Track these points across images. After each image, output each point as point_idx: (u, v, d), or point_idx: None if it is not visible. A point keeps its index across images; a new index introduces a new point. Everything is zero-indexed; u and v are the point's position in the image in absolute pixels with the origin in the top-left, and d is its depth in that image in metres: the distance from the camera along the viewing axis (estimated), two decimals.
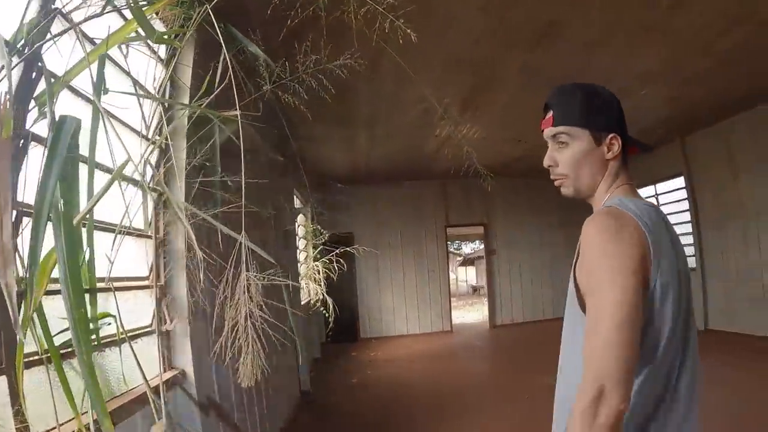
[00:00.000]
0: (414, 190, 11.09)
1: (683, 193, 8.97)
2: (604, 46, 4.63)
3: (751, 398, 4.92)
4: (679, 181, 9.07)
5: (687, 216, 8.87)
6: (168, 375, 2.49)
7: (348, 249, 8.01)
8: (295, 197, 8.24)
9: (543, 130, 1.40)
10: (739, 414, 4.56)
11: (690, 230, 8.76)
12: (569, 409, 1.04)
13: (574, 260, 1.22)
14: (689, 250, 8.83)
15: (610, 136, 1.30)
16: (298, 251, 7.87)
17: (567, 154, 1.32)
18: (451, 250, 30.23)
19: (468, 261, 28.85)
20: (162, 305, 2.53)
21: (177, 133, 2.73)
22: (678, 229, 7.92)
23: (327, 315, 7.80)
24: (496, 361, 8.18)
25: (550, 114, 1.36)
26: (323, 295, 7.85)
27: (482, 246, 15.38)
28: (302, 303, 7.36)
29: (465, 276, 29.09)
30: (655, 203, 1.51)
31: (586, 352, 1.03)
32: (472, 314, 15.11)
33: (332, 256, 8.06)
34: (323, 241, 8.48)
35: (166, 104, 2.60)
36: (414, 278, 10.99)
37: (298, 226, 8.04)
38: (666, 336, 1.07)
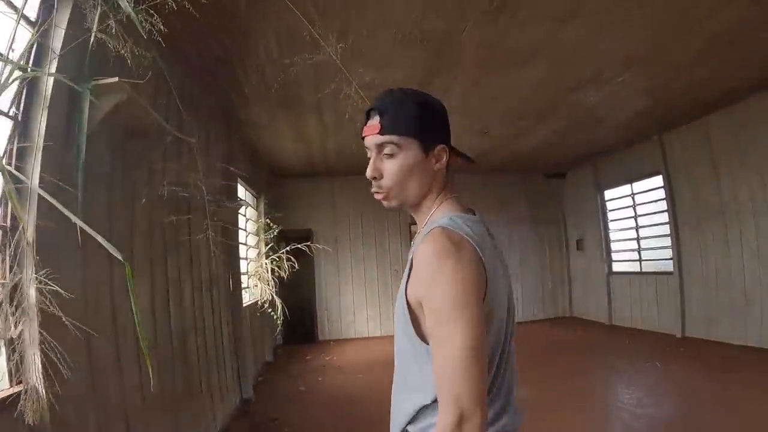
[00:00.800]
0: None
1: (661, 193, 8.74)
2: (575, 19, 4.18)
3: (714, 407, 4.72)
4: (657, 180, 8.85)
5: (665, 217, 8.65)
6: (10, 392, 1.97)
7: (299, 246, 7.57)
8: (245, 191, 7.74)
9: (364, 137, 1.30)
10: (701, 425, 4.34)
11: (668, 232, 8.55)
12: None
13: (405, 280, 1.17)
14: (667, 253, 8.62)
15: (439, 147, 1.27)
16: (246, 248, 7.37)
17: (395, 166, 1.26)
18: None
19: None
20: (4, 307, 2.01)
21: (35, 104, 2.24)
22: (655, 231, 7.51)
23: (275, 317, 7.35)
24: None
25: (377, 120, 1.25)
26: (272, 295, 7.39)
27: None
28: (248, 303, 6.88)
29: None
30: (475, 215, 1.31)
31: (441, 379, 1.04)
32: None
33: (282, 253, 7.59)
34: (272, 236, 8.01)
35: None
36: (376, 277, 10.56)
37: (246, 221, 7.54)
38: (498, 350, 1.14)
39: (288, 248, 7.62)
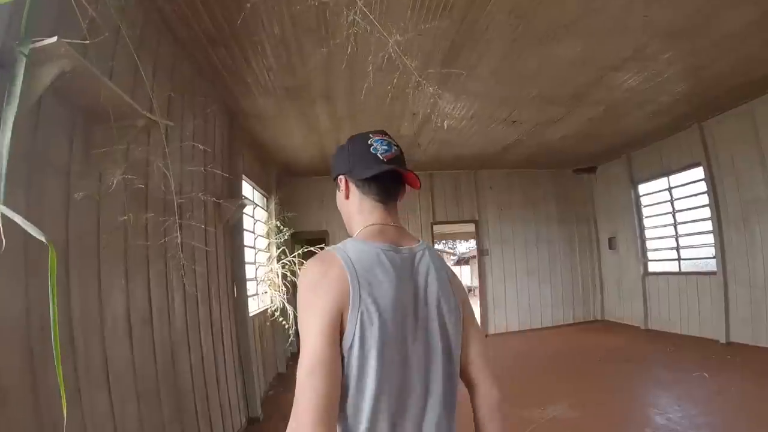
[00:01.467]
0: None
1: (701, 186, 7.99)
2: None
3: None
4: (697, 172, 8.09)
5: (706, 212, 7.88)
6: None
7: (313, 249, 7.09)
8: (253, 189, 7.32)
9: None
10: None
11: (710, 228, 7.78)
12: None
13: None
14: (709, 251, 7.94)
15: (339, 178, 1.42)
16: (254, 252, 6.92)
17: None
18: (446, 249, 29.44)
19: (463, 260, 27.96)
20: None
21: None
22: (695, 227, 6.73)
23: (287, 326, 6.89)
24: None
25: None
26: (282, 303, 6.93)
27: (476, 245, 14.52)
28: (256, 312, 6.43)
29: (460, 275, 28.16)
30: (398, 246, 1.28)
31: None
32: None
33: (294, 257, 7.13)
34: (283, 239, 7.55)
35: None
36: None
37: (255, 222, 7.10)
38: (374, 376, 1.12)
39: (300, 251, 7.16)
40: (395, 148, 1.39)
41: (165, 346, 3.41)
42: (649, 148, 9.15)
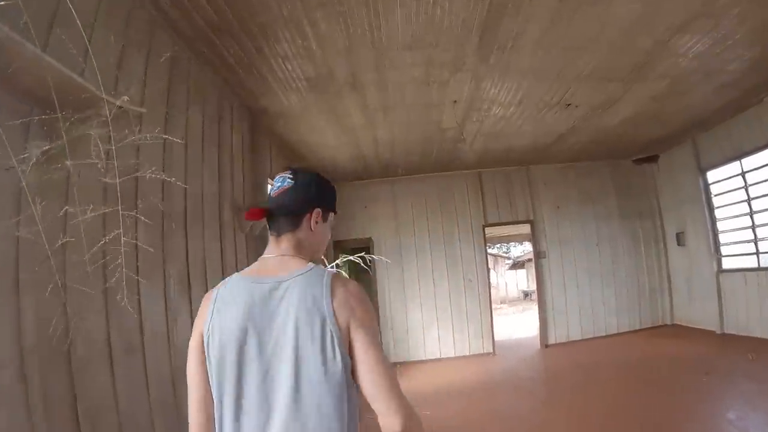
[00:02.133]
0: (441, 184, 9.54)
1: None
2: None
3: None
4: None
5: None
6: None
7: (351, 258, 6.58)
8: None
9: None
10: None
11: None
12: None
13: None
14: None
15: None
16: None
17: None
18: (500, 253, 28.42)
19: (518, 264, 26.79)
20: None
21: None
22: None
23: None
24: (553, 405, 6.08)
25: None
26: None
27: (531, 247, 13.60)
28: None
29: (516, 280, 27.19)
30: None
31: None
32: (522, 320, 13.23)
33: (332, 267, 6.61)
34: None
35: None
36: (447, 289, 9.33)
37: None
38: (219, 396, 1.29)
39: (339, 261, 6.65)
40: (288, 180, 1.47)
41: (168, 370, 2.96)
42: (717, 129, 8.02)
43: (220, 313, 1.31)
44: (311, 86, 4.97)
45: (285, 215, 1.45)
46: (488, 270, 9.55)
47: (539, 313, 9.45)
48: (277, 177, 1.50)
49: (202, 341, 1.31)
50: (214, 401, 1.29)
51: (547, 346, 9.32)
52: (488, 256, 9.80)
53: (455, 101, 5.78)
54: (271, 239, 1.46)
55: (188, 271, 3.52)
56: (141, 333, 2.76)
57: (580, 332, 9.46)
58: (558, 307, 9.44)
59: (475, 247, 9.37)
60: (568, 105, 6.21)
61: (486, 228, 9.45)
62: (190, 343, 1.33)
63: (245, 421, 1.26)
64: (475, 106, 6.01)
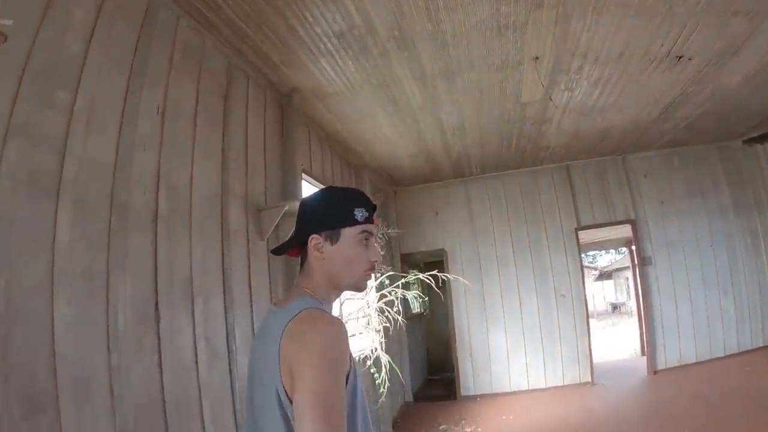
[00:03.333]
0: (524, 182, 8.14)
1: None
2: None
3: None
4: None
5: None
6: None
7: (420, 275, 5.35)
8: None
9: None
10: None
11: None
12: None
13: None
14: None
15: None
16: None
17: None
18: (585, 263, 26.69)
19: (605, 275, 25.11)
20: None
21: None
22: None
23: (378, 379, 5.14)
24: None
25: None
26: (378, 347, 5.17)
27: (623, 254, 11.99)
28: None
29: (602, 293, 25.65)
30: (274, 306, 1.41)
31: None
32: (615, 336, 11.65)
33: (393, 290, 5.31)
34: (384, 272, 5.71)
35: None
36: (536, 307, 7.89)
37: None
38: None
39: (408, 278, 5.37)
40: (299, 210, 1.47)
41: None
42: None
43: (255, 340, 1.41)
44: (345, 45, 3.76)
45: (295, 248, 1.44)
46: (584, 282, 8.08)
47: (646, 333, 7.92)
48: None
49: None
50: None
51: (656, 372, 7.76)
52: (583, 266, 8.33)
53: (536, 57, 4.35)
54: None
55: (157, 290, 2.46)
56: None
57: (694, 353, 7.83)
58: (668, 324, 7.86)
59: (568, 255, 7.88)
60: (680, 58, 4.63)
61: (579, 231, 7.96)
62: None
63: None
64: (562, 64, 4.59)
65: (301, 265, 1.40)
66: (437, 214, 8.17)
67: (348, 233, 1.36)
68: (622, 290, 21.01)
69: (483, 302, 7.95)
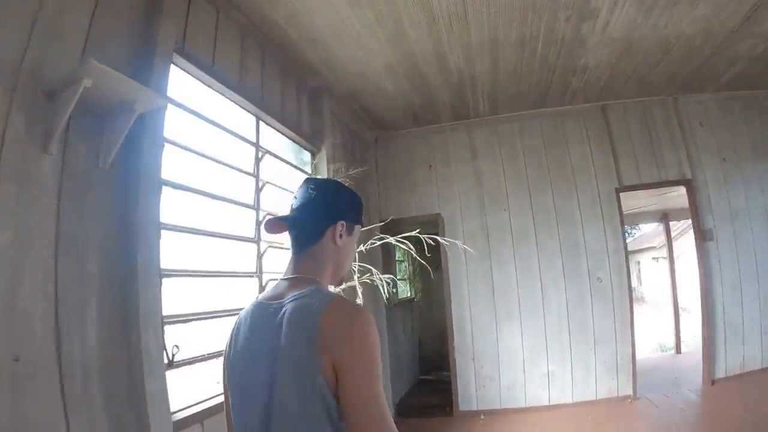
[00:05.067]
0: (547, 127, 6.14)
1: None
2: None
3: None
4: None
5: None
6: None
7: (401, 245, 3.45)
8: (258, 121, 3.69)
9: None
10: None
11: None
12: None
13: None
14: None
15: None
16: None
17: None
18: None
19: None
20: None
21: None
22: None
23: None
24: None
25: None
26: None
27: (632, 235, 10.26)
28: None
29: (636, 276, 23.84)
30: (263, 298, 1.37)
31: None
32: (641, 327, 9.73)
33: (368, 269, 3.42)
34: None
35: None
36: (563, 296, 5.90)
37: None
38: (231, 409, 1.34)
39: (394, 239, 3.47)
40: (310, 191, 1.42)
41: None
42: None
43: (237, 334, 1.33)
44: None
45: (307, 228, 1.41)
46: (627, 262, 6.10)
47: (705, 331, 6.00)
48: (298, 188, 1.46)
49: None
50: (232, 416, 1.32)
51: (713, 382, 5.89)
52: (626, 241, 6.31)
53: None
54: (291, 258, 1.42)
55: None
56: None
57: (760, 357, 5.97)
58: (732, 320, 5.99)
59: (606, 226, 5.88)
60: None
61: (622, 192, 5.98)
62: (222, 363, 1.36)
63: None
64: None
65: (299, 251, 1.40)
66: (431, 168, 6.18)
67: (356, 229, 1.46)
68: (632, 275, 19.14)
69: (491, 289, 5.95)
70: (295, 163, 4.42)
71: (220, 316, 3.04)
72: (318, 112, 4.68)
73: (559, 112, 6.03)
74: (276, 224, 1.41)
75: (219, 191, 3.18)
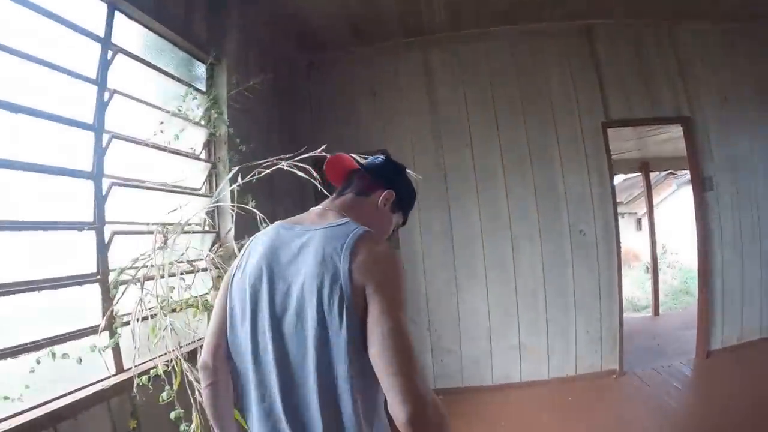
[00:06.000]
0: (520, 49, 5.03)
1: None
2: None
3: None
4: None
5: None
6: None
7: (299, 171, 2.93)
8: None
9: None
10: None
11: None
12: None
13: None
14: None
15: None
16: None
17: None
18: None
19: None
20: None
21: None
22: None
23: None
24: None
25: None
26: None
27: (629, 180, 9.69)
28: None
29: None
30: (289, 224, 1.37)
31: None
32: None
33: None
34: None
35: None
36: (538, 252, 4.89)
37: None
38: (231, 325, 1.33)
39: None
40: (380, 159, 1.53)
41: None
42: None
43: (249, 254, 1.35)
44: None
45: (364, 180, 1.47)
46: (615, 213, 5.11)
47: (701, 296, 5.15)
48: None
49: (229, 277, 1.37)
50: (228, 333, 1.33)
51: (708, 354, 5.10)
52: (613, 187, 5.27)
53: None
54: (331, 198, 1.46)
55: None
56: None
57: (758, 326, 5.23)
58: (730, 284, 5.14)
59: (590, 168, 4.88)
60: None
61: (607, 128, 4.98)
62: (224, 280, 1.39)
63: (262, 360, 1.26)
64: None
65: (341, 193, 1.46)
66: (375, 95, 5.07)
67: (396, 217, 1.53)
68: (629, 225, 18.17)
69: (450, 243, 4.90)
70: (178, 75, 3.25)
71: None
72: (220, 12, 3.56)
73: (534, 30, 4.95)
74: (340, 162, 1.52)
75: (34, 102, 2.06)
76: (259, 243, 1.34)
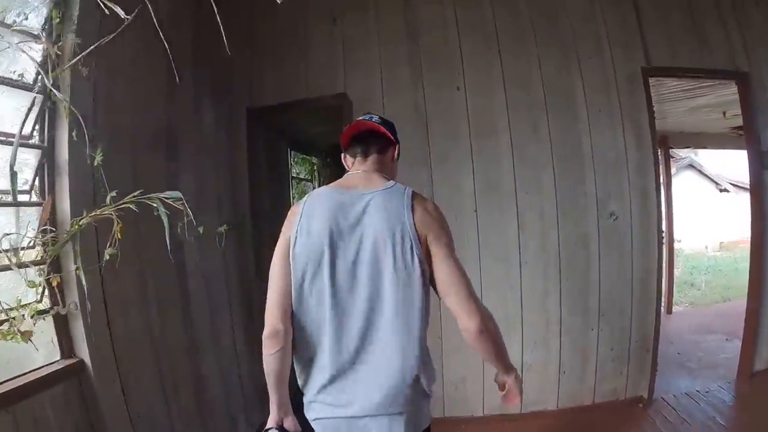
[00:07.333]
0: None
1: None
2: None
3: None
4: None
5: None
6: None
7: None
8: None
9: None
10: None
11: None
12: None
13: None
14: None
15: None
16: None
17: None
18: None
19: None
20: None
21: None
22: None
23: None
24: None
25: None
26: None
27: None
28: None
29: None
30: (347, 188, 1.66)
31: None
32: None
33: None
34: None
35: None
36: (553, 238, 3.60)
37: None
38: (298, 284, 1.52)
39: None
40: (375, 117, 1.73)
41: None
42: None
43: (309, 217, 1.54)
44: None
45: (383, 139, 1.71)
46: (658, 186, 3.79)
47: (751, 303, 4.01)
48: (361, 117, 1.74)
49: (289, 243, 1.54)
50: (293, 293, 1.52)
51: (752, 375, 4.01)
52: (656, 154, 3.95)
53: None
54: (357, 160, 1.72)
55: None
56: None
57: None
58: None
59: (626, 126, 3.62)
60: None
61: (650, 77, 3.69)
62: (277, 246, 1.57)
63: (342, 307, 1.51)
64: None
65: (366, 155, 1.71)
66: (336, 22, 3.76)
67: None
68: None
69: None
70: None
71: None
72: None
73: None
74: (363, 126, 1.69)
75: None
76: (315, 207, 1.55)
